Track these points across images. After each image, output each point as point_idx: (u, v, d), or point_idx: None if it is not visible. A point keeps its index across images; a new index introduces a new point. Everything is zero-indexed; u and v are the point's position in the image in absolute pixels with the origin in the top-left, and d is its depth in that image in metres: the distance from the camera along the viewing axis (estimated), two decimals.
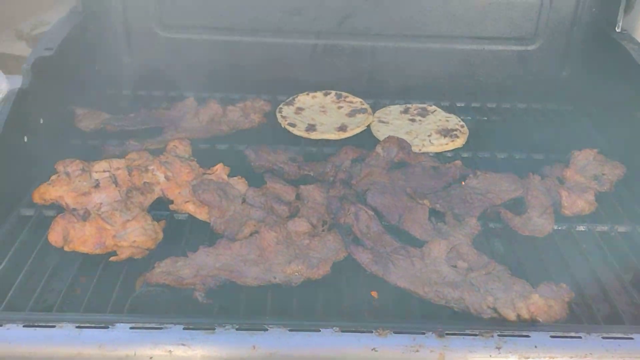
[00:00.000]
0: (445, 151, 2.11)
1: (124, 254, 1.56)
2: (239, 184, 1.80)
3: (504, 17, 2.32)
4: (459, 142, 2.13)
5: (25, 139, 1.82)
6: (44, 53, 1.89)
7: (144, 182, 1.76)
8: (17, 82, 2.52)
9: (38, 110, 1.89)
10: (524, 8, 2.30)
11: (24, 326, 1.32)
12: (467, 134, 2.19)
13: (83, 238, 1.57)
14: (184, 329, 1.32)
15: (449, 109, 2.39)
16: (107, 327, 1.32)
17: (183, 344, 1.30)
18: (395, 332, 1.32)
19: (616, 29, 2.17)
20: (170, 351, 1.29)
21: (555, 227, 1.74)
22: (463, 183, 1.89)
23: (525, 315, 1.39)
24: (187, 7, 2.33)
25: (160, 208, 1.78)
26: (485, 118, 2.38)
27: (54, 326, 1.32)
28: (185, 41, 2.40)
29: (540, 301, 1.40)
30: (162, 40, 2.40)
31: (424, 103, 2.42)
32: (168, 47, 2.41)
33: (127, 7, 2.32)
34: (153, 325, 1.33)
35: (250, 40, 2.39)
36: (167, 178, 1.79)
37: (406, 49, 2.39)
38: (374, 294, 1.56)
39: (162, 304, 1.51)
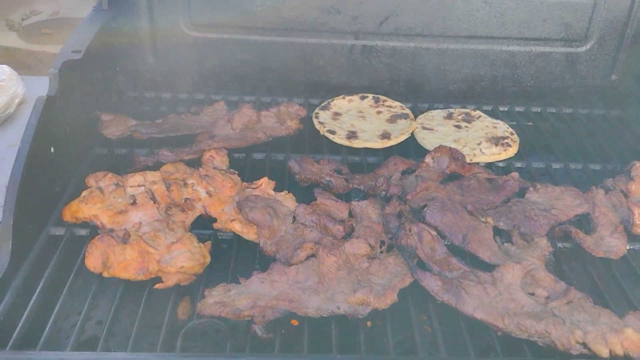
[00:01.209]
0: (497, 161, 1.99)
1: (170, 281, 1.43)
2: (288, 200, 1.67)
3: (555, 17, 2.19)
4: (512, 152, 2.01)
5: (52, 150, 1.67)
6: (72, 56, 1.74)
7: (185, 199, 1.62)
8: (29, 83, 2.39)
9: (65, 118, 1.74)
10: (576, 8, 2.17)
11: None
12: (518, 142, 2.06)
13: (124, 263, 1.43)
14: None
15: (492, 114, 2.27)
16: None
17: None
18: None
19: None
20: None
21: (628, 247, 1.62)
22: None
23: (618, 351, 1.27)
24: (218, 4, 2.17)
25: (200, 226, 1.64)
26: (531, 123, 2.26)
27: None
28: (214, 41, 2.24)
29: (635, 335, 1.28)
30: (190, 39, 2.24)
31: (465, 107, 2.29)
32: (196, 47, 2.25)
33: (154, 4, 2.16)
34: None
35: (284, 41, 2.25)
36: (208, 193, 1.65)
37: (450, 50, 2.25)
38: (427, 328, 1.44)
39: (215, 337, 1.39)
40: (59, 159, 1.71)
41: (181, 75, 2.30)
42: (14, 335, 1.29)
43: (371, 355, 1.28)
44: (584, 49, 2.26)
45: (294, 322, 1.44)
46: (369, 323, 1.44)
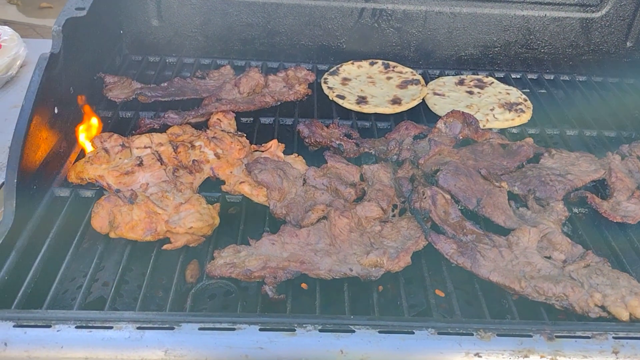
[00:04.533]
0: (510, 127, 1.94)
1: (178, 242, 1.39)
2: (298, 163, 1.63)
3: None
4: (525, 118, 1.97)
5: (56, 110, 1.63)
6: (75, 13, 1.68)
7: (193, 160, 1.58)
8: (31, 46, 2.34)
9: (68, 78, 1.69)
10: None
11: (76, 327, 1.16)
12: (532, 108, 2.02)
13: (132, 224, 1.40)
14: (260, 329, 1.17)
15: (504, 81, 2.22)
16: (173, 328, 1.16)
17: (261, 348, 1.14)
18: (499, 335, 1.18)
19: None
20: (246, 356, 1.14)
21: None
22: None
23: (639, 314, 1.24)
24: None
25: (208, 188, 1.60)
26: (544, 91, 2.21)
27: (111, 327, 1.16)
28: (219, 3, 2.18)
29: None
30: (195, 2, 2.18)
31: (477, 74, 2.24)
32: (200, 10, 2.19)
33: None
34: (225, 325, 1.17)
35: (291, 3, 2.18)
36: (216, 155, 1.61)
37: (462, 14, 2.19)
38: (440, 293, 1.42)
39: (225, 298, 1.36)
40: (63, 119, 1.67)
41: (186, 39, 2.24)
42: (19, 295, 1.26)
43: (385, 316, 1.25)
44: (599, 14, 2.20)
45: (304, 286, 1.42)
46: (380, 287, 1.41)
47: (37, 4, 6.27)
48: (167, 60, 2.24)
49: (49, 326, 1.16)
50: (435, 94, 2.08)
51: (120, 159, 1.58)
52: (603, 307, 1.26)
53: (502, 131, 1.92)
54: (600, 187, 1.68)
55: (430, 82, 2.16)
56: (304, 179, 1.58)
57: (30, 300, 1.26)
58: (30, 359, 1.13)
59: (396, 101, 2.02)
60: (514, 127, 1.94)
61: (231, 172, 1.59)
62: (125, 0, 2.08)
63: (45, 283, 1.31)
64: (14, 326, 1.15)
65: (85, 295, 1.29)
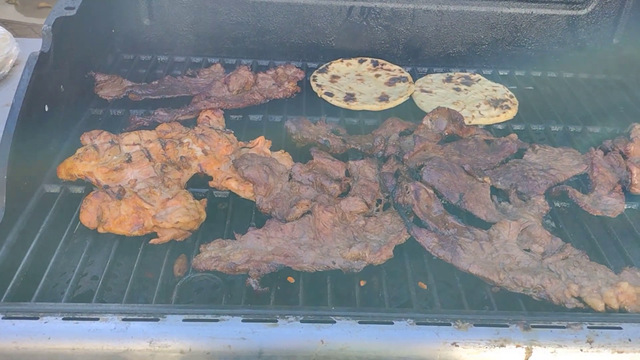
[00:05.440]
0: (496, 123, 1.97)
1: (165, 237, 1.42)
2: (284, 159, 1.66)
3: None
4: (511, 114, 1.99)
5: (46, 108, 1.66)
6: (65, 13, 1.71)
7: (181, 157, 1.61)
8: (24, 45, 2.36)
9: (58, 76, 1.72)
10: None
11: (63, 319, 1.19)
12: (517, 104, 2.04)
13: (119, 219, 1.42)
14: (242, 320, 1.20)
15: (492, 78, 2.24)
16: (158, 320, 1.19)
17: (243, 338, 1.17)
18: (476, 325, 1.21)
19: None
20: (229, 346, 1.17)
21: (625, 206, 1.61)
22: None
23: (614, 305, 1.27)
24: None
25: (196, 184, 1.63)
26: (531, 87, 2.23)
27: (97, 319, 1.19)
28: (210, 2, 2.20)
29: (630, 289, 1.28)
30: (186, 1, 2.20)
31: (465, 71, 2.27)
32: (191, 9, 2.22)
33: None
34: (209, 317, 1.20)
35: (280, 2, 2.21)
36: (204, 152, 1.64)
37: (449, 12, 2.21)
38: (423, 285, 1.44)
39: (211, 291, 1.39)
40: (53, 117, 1.70)
41: (177, 38, 2.27)
42: (8, 288, 1.28)
43: (366, 307, 1.27)
44: (585, 11, 2.23)
45: (290, 279, 1.44)
46: (362, 282, 1.43)
47: (36, 3, 6.29)
48: (159, 59, 2.27)
49: (37, 318, 1.19)
50: (422, 91, 2.11)
51: (109, 155, 1.60)
52: (579, 298, 1.29)
53: (487, 127, 1.95)
54: (583, 182, 1.70)
55: (418, 80, 2.19)
56: (290, 175, 1.61)
57: (20, 294, 1.29)
58: (18, 350, 1.15)
59: (384, 98, 2.05)
60: (499, 123, 1.97)
61: (218, 169, 1.62)
62: (116, 0, 2.10)
63: (35, 277, 1.34)
64: (2, 318, 1.18)
65: (73, 289, 1.32)
